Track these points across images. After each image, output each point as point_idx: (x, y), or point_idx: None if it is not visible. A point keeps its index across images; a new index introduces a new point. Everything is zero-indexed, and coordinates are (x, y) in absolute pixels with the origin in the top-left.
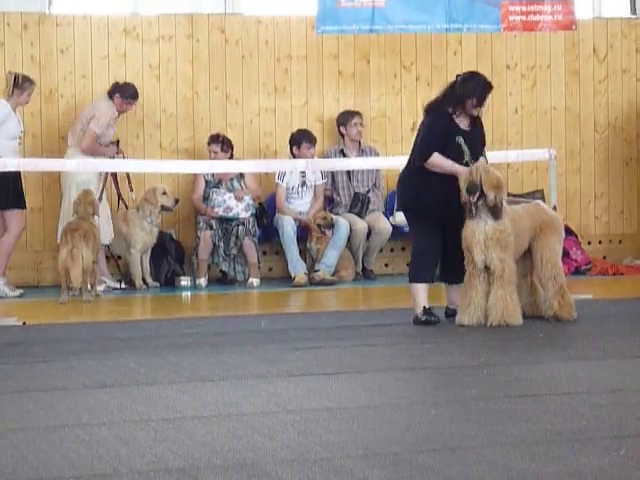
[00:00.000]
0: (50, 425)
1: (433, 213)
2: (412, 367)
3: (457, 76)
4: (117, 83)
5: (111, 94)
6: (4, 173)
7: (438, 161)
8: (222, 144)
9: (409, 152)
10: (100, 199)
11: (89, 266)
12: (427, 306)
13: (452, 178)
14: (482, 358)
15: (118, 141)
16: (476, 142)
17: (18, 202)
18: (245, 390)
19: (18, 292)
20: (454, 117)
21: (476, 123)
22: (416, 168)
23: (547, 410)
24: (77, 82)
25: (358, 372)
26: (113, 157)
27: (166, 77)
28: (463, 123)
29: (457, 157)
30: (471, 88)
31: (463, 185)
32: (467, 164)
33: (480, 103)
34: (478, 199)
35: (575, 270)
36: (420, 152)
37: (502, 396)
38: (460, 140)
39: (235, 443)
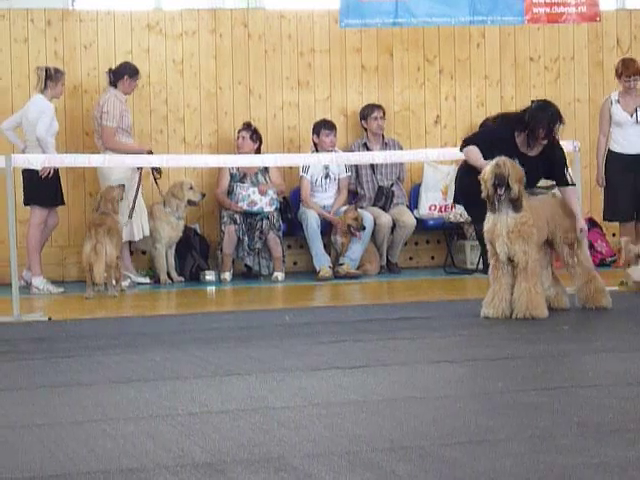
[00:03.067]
0: (77, 420)
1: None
2: (437, 360)
3: (532, 102)
4: (114, 69)
5: (115, 81)
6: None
7: (470, 153)
8: (252, 133)
9: (433, 145)
10: (136, 196)
11: (113, 261)
12: None
13: None
14: (507, 351)
15: (151, 151)
16: (534, 167)
17: (35, 199)
18: (271, 384)
19: (61, 289)
20: (517, 138)
21: (549, 150)
22: (467, 164)
23: (573, 402)
24: (101, 78)
25: (383, 365)
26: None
27: (189, 72)
28: (529, 149)
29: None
30: (539, 119)
31: (489, 178)
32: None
33: (547, 136)
34: (503, 192)
35: (600, 262)
36: (463, 142)
37: (528, 389)
38: (515, 160)
39: (261, 437)
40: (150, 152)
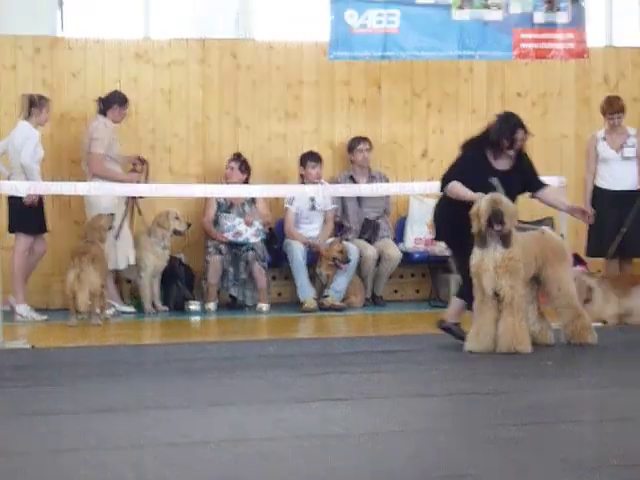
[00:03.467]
0: (58, 449)
1: (467, 241)
2: (420, 394)
3: (496, 116)
4: (104, 97)
5: (104, 110)
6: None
7: (455, 189)
8: (241, 164)
9: (420, 179)
10: (122, 223)
11: (97, 290)
12: (458, 322)
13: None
14: (490, 385)
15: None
16: (513, 181)
17: (20, 227)
18: (253, 415)
19: (44, 317)
20: (489, 157)
21: (519, 161)
22: (447, 199)
23: (555, 438)
24: (88, 106)
25: (366, 398)
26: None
27: (177, 102)
28: (501, 164)
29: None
30: (502, 130)
31: (484, 214)
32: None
33: (511, 145)
34: (497, 229)
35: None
36: (443, 180)
37: (511, 424)
38: (494, 181)
39: (242, 469)
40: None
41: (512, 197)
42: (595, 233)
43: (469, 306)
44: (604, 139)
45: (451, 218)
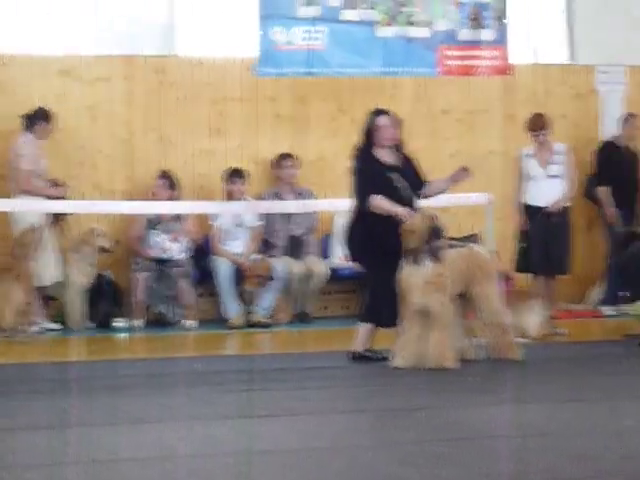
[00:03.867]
0: None
1: (383, 258)
2: (347, 410)
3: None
4: (29, 114)
5: (30, 126)
6: None
7: (377, 202)
8: (169, 181)
9: (347, 195)
10: (46, 241)
11: (21, 307)
12: (369, 347)
13: (394, 223)
14: (417, 401)
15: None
16: (409, 175)
17: None
18: (180, 432)
19: None
20: (376, 155)
21: (406, 159)
22: (359, 216)
23: (479, 453)
24: (15, 122)
25: (293, 415)
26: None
27: (103, 118)
28: (390, 159)
29: (393, 193)
30: (367, 122)
31: (420, 230)
32: (408, 195)
33: (382, 134)
34: (440, 244)
35: None
36: (360, 198)
37: (436, 439)
38: (391, 174)
39: None
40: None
41: (414, 188)
42: (523, 249)
43: (383, 324)
44: (532, 156)
45: (365, 235)
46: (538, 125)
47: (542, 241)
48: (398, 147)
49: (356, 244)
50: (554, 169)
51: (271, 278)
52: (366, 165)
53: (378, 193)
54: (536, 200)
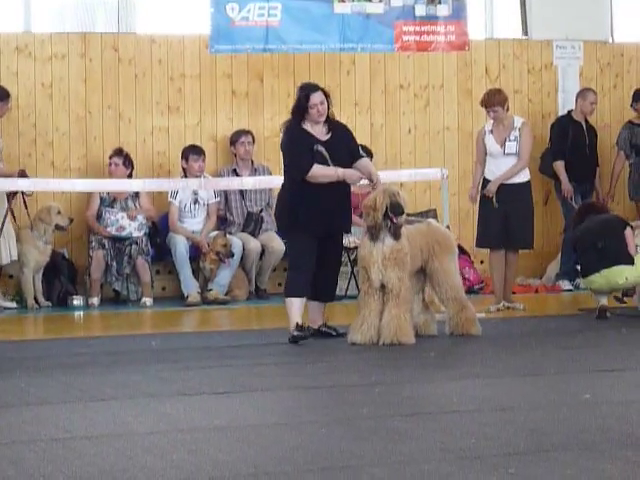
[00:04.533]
0: None
1: (307, 227)
2: (303, 386)
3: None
4: None
5: None
6: None
7: (321, 172)
8: (124, 159)
9: None
10: (5, 219)
11: None
12: (300, 322)
13: (328, 192)
14: (373, 377)
15: (23, 171)
16: (338, 149)
17: None
18: (136, 409)
19: None
20: (307, 128)
21: (338, 130)
22: (290, 186)
23: (437, 428)
24: None
25: (249, 391)
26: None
27: (59, 96)
28: (319, 132)
29: (323, 163)
30: (299, 98)
31: (380, 207)
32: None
33: (315, 110)
34: (396, 221)
35: (468, 289)
36: (298, 169)
37: (392, 414)
38: (319, 148)
39: (125, 463)
40: (23, 173)
41: (342, 161)
42: (481, 225)
43: (292, 294)
44: (491, 132)
45: (285, 210)
46: (492, 101)
47: (502, 216)
48: (329, 120)
49: (281, 215)
50: (509, 147)
51: (232, 255)
52: (297, 139)
53: (311, 164)
54: (495, 176)
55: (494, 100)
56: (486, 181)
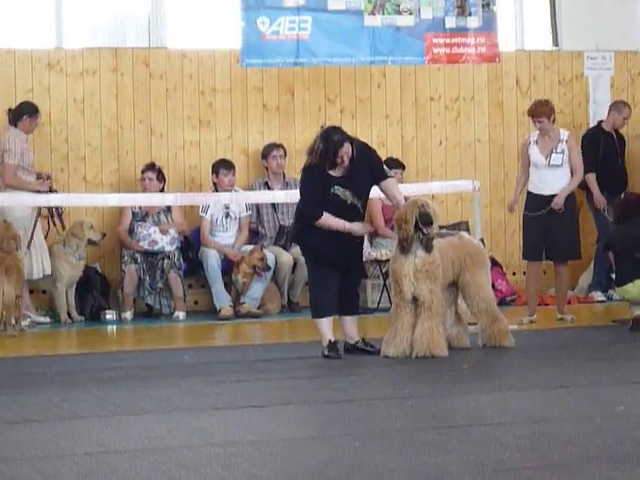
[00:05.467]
0: None
1: (327, 252)
2: (337, 399)
3: (321, 127)
4: (14, 108)
5: (15, 120)
6: None
7: (327, 222)
8: (158, 173)
9: None
10: (33, 231)
11: (11, 301)
12: (332, 339)
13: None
14: (406, 389)
15: (49, 176)
16: (359, 177)
17: None
18: (169, 424)
19: None
20: (328, 170)
21: (358, 154)
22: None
23: (471, 441)
24: (1, 116)
25: (283, 405)
26: (47, 191)
27: (90, 111)
28: (339, 171)
29: (340, 204)
30: (326, 151)
31: (410, 218)
32: (353, 205)
33: (342, 161)
34: (427, 232)
35: (500, 301)
36: (309, 215)
37: (426, 427)
38: (336, 190)
39: (159, 477)
40: (51, 188)
41: (363, 192)
42: (525, 237)
43: (317, 316)
44: (536, 142)
45: (306, 230)
46: (537, 112)
47: (545, 228)
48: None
49: (301, 233)
50: (555, 159)
51: (268, 268)
52: (312, 181)
53: (324, 207)
54: (538, 188)
55: (540, 111)
56: (530, 194)
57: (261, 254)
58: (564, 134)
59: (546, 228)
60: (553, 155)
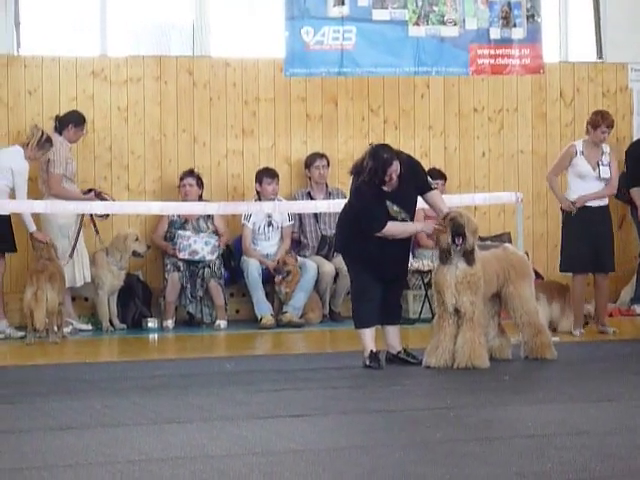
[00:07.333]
0: (16, 467)
1: (373, 261)
2: (378, 409)
3: (370, 144)
4: (62, 116)
5: (61, 128)
6: None
7: (394, 229)
8: (197, 179)
9: None
10: (77, 239)
11: (54, 308)
12: (374, 350)
13: (390, 241)
14: (448, 400)
15: (99, 194)
16: (405, 196)
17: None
18: (211, 432)
19: (21, 333)
20: (379, 184)
21: (404, 167)
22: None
23: (512, 452)
24: (45, 124)
25: (324, 414)
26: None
27: (134, 119)
28: (390, 185)
29: (391, 219)
30: (375, 170)
31: (447, 228)
32: (403, 220)
33: (390, 179)
34: (461, 242)
35: None
36: (371, 226)
37: (468, 438)
38: (388, 204)
39: None
40: (99, 195)
41: (412, 205)
42: (568, 249)
43: (360, 326)
44: (582, 153)
45: (357, 234)
46: (608, 122)
47: (590, 239)
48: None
49: (346, 241)
50: (604, 172)
51: (287, 274)
52: (367, 194)
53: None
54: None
55: (611, 121)
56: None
57: (285, 258)
58: (606, 147)
59: (590, 238)
60: (602, 167)
